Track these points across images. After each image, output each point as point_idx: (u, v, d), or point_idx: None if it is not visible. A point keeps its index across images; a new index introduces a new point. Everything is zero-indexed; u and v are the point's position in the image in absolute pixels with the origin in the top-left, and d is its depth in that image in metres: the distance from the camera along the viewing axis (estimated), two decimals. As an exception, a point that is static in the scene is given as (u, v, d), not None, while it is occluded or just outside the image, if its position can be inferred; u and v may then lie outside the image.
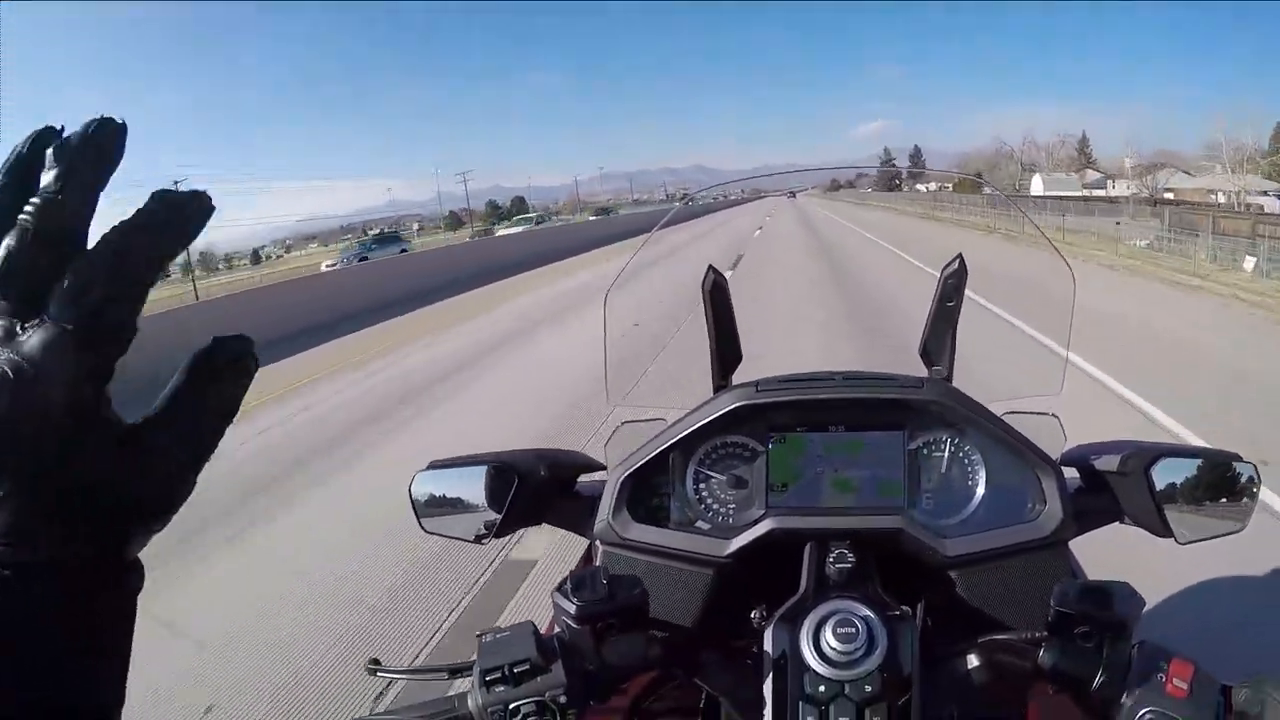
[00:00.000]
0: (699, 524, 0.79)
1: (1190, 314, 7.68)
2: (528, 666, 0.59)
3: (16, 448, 0.23)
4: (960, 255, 0.83)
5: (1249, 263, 10.38)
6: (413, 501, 0.83)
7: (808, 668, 0.59)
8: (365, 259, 22.63)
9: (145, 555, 0.27)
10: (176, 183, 0.26)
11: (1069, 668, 0.57)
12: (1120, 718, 0.54)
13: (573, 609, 0.61)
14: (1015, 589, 0.71)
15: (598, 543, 0.79)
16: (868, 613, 0.60)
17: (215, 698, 2.32)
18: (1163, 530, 0.73)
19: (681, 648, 0.66)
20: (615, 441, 0.84)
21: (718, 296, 0.86)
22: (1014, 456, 0.75)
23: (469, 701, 0.60)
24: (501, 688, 0.59)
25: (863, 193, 67.02)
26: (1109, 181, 48.62)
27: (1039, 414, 0.82)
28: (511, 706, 0.58)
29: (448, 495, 0.82)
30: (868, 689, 0.57)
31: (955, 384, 0.84)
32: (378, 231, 47.61)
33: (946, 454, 0.77)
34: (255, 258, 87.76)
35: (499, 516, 0.79)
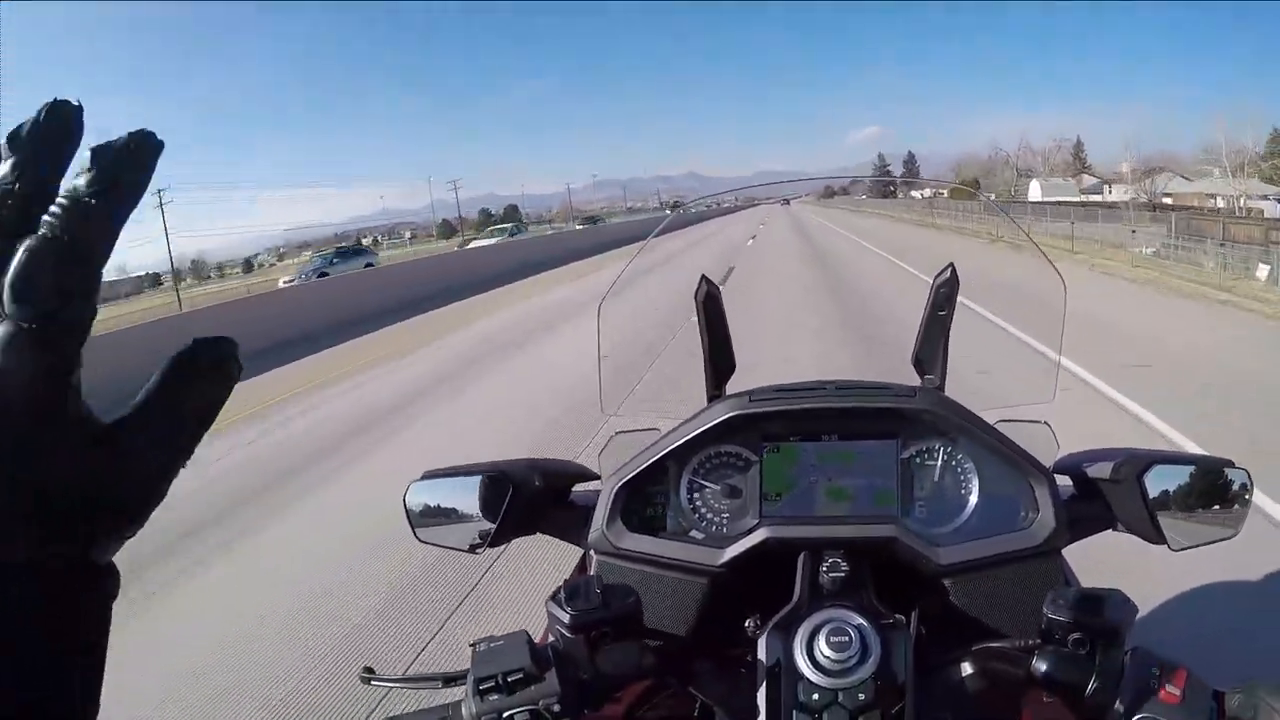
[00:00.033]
0: (693, 533, 0.79)
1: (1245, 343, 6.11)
2: (522, 675, 0.59)
3: None
4: (952, 264, 0.84)
5: (1262, 271, 9.61)
6: (407, 511, 0.82)
7: (801, 676, 0.59)
8: (325, 274, 20.28)
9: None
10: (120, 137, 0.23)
11: (1062, 675, 0.57)
12: None
13: (567, 618, 0.61)
14: (1008, 597, 0.72)
15: (592, 552, 0.79)
16: (861, 621, 0.61)
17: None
18: (1156, 537, 0.73)
19: (675, 656, 0.66)
20: (609, 451, 0.84)
21: (711, 306, 0.86)
22: (1007, 465, 0.75)
23: (463, 710, 0.60)
24: (495, 697, 0.59)
25: (857, 199, 67.31)
26: (1105, 186, 48.53)
27: (1032, 422, 0.83)
28: (505, 715, 0.58)
29: (442, 505, 0.82)
30: (861, 697, 0.57)
31: (948, 393, 0.84)
32: (346, 244, 44.20)
33: (939, 463, 0.77)
34: (248, 266, 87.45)
35: (493, 526, 0.79)
